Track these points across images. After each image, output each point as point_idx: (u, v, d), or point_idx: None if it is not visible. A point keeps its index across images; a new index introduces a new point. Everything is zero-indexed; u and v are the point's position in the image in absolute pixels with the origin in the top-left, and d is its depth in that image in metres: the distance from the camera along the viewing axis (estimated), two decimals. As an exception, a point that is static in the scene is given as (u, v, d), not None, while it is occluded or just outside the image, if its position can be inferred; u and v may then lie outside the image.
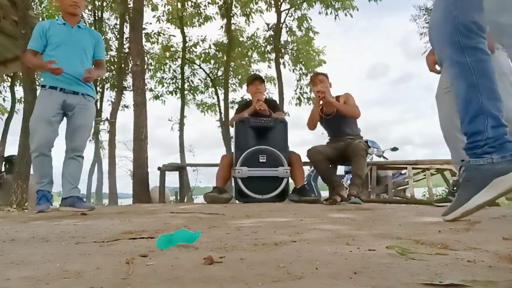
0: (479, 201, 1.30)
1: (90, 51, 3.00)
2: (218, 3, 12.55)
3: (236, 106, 4.26)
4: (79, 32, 2.96)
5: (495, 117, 1.32)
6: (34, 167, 2.82)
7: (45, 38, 2.85)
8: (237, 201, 3.65)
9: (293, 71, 13.39)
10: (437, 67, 2.54)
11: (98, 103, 14.15)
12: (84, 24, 3.08)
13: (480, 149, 1.32)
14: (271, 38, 12.78)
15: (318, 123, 3.67)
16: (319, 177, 5.20)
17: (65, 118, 2.93)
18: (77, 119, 2.89)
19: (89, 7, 13.55)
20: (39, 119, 2.77)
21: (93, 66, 3.03)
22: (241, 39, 13.41)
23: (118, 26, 13.12)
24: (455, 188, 2.57)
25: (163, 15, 12.94)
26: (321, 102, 3.58)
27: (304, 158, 3.61)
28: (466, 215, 1.36)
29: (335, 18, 11.65)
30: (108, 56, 13.32)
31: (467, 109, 1.37)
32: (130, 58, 10.01)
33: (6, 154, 7.90)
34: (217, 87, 13.78)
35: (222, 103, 12.90)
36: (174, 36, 13.70)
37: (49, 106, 2.79)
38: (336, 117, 3.52)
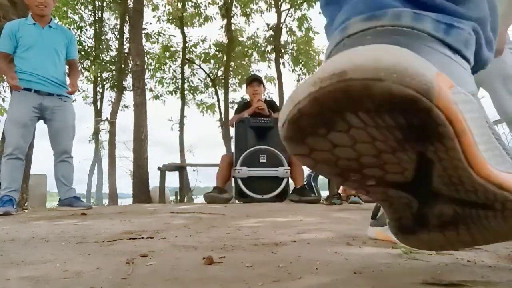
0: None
1: (63, 51, 2.93)
2: (218, 3, 12.55)
3: (236, 106, 4.26)
4: (50, 32, 2.87)
5: None
6: (4, 170, 2.67)
7: (14, 39, 2.76)
8: (237, 201, 3.65)
9: (293, 71, 13.39)
10: None
11: (98, 103, 14.18)
12: (57, 22, 2.99)
13: None
14: (271, 38, 12.76)
15: None
16: (319, 177, 5.21)
17: (41, 121, 2.88)
18: (56, 122, 2.84)
19: (89, 7, 13.56)
20: (15, 122, 2.70)
21: (66, 67, 2.99)
22: (241, 39, 13.40)
23: (118, 26, 13.11)
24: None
25: (163, 15, 12.93)
26: None
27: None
28: None
29: (335, 18, 11.65)
30: (108, 56, 13.33)
31: None
32: (130, 58, 10.00)
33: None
34: (217, 87, 13.77)
35: (222, 103, 12.90)
36: (174, 36, 13.69)
37: (25, 109, 2.72)
38: None
